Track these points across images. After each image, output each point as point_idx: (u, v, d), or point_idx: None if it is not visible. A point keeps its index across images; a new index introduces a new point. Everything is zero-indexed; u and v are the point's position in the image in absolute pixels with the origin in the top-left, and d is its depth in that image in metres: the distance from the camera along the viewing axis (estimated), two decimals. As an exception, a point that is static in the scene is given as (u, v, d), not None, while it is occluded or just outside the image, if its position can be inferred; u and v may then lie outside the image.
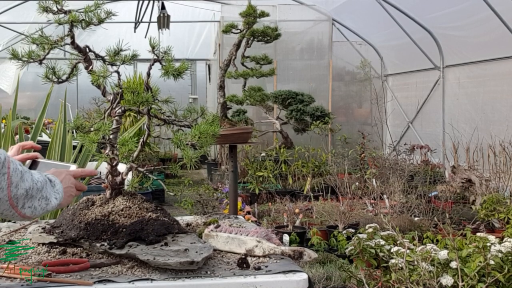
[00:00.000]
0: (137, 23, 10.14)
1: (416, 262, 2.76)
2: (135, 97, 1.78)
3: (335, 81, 10.42)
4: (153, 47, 1.87)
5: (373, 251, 3.11)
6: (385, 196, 5.86)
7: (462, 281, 2.62)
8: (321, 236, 4.80)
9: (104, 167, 1.93)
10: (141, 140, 1.85)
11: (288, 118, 7.88)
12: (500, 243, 2.82)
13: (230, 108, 4.32)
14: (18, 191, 1.46)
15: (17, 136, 3.42)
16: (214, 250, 1.76)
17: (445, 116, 8.27)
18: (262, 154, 7.96)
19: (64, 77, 1.83)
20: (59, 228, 1.79)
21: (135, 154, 1.81)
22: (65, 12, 1.80)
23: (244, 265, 1.63)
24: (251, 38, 4.17)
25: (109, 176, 1.83)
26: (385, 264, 3.04)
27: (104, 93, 1.85)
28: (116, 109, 1.83)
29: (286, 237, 4.54)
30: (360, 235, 3.21)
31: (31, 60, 1.78)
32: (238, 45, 4.07)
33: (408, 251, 2.85)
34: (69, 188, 1.68)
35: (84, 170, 1.81)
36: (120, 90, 1.82)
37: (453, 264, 2.68)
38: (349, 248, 3.22)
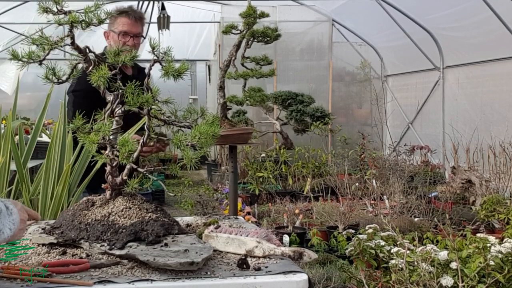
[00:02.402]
0: (137, 23, 10.12)
1: (416, 263, 2.76)
2: (135, 97, 1.78)
3: (335, 82, 10.42)
4: (153, 48, 1.87)
5: (373, 251, 3.11)
6: (385, 196, 5.86)
7: (462, 281, 2.62)
8: (321, 237, 4.80)
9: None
10: (141, 140, 1.84)
11: (288, 118, 7.87)
12: (500, 243, 2.82)
13: (230, 109, 4.31)
14: None
15: (17, 137, 3.42)
16: (214, 250, 1.76)
17: (445, 116, 8.27)
18: (262, 155, 7.95)
19: (64, 78, 1.83)
20: (59, 228, 1.79)
21: (135, 155, 1.81)
22: (65, 13, 1.80)
23: (244, 266, 1.63)
24: (251, 39, 4.16)
25: (109, 176, 1.83)
26: (385, 265, 3.04)
27: (104, 94, 1.85)
28: (116, 109, 1.83)
29: (286, 238, 4.53)
30: (360, 236, 3.21)
31: (31, 61, 1.78)
32: (238, 46, 4.07)
33: (408, 251, 2.85)
34: (23, 221, 1.53)
35: (30, 211, 1.69)
36: (120, 91, 1.82)
37: (453, 265, 2.68)
38: (349, 248, 3.22)
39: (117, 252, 1.65)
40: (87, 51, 1.84)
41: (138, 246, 1.66)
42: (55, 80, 1.82)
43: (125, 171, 1.82)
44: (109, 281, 1.52)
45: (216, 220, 2.15)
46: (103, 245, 1.68)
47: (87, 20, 1.80)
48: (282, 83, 9.69)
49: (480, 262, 2.64)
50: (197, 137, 1.74)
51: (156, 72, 1.93)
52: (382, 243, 3.16)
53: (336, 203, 5.93)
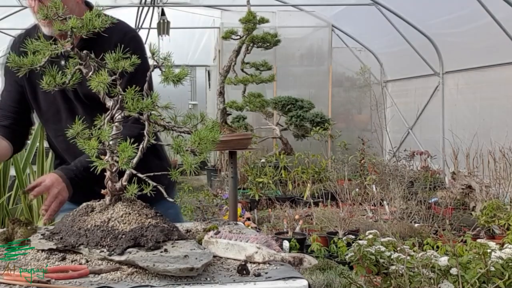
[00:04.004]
0: (137, 29, 10.16)
1: (416, 269, 2.75)
2: (135, 103, 1.78)
3: (335, 87, 10.43)
4: (152, 53, 1.87)
5: (373, 257, 3.10)
6: (385, 202, 5.86)
7: (463, 287, 2.61)
8: (321, 243, 4.79)
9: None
10: (141, 146, 1.84)
11: (288, 124, 7.88)
12: (500, 249, 2.82)
13: (230, 114, 4.32)
14: None
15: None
16: (214, 256, 1.75)
17: (444, 122, 8.27)
18: (262, 160, 7.95)
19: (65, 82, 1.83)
20: (59, 234, 1.78)
21: (134, 161, 1.81)
22: (65, 18, 1.80)
23: (244, 272, 1.62)
24: (251, 44, 4.17)
25: (109, 182, 1.83)
26: (385, 271, 3.03)
27: (103, 99, 1.85)
28: (116, 115, 1.83)
29: (286, 244, 4.53)
30: (360, 242, 3.20)
31: (32, 67, 1.78)
32: (237, 51, 4.07)
33: (408, 257, 2.84)
34: None
35: None
36: (120, 96, 1.82)
37: (454, 271, 2.67)
38: (349, 254, 3.21)
39: (117, 258, 1.64)
40: (87, 56, 1.84)
41: (138, 252, 1.65)
42: (55, 86, 1.82)
43: (125, 176, 1.82)
44: (108, 287, 1.51)
45: (216, 226, 2.15)
46: (103, 251, 1.68)
47: (87, 25, 1.80)
48: (281, 89, 9.70)
49: (481, 268, 2.64)
50: (197, 143, 1.74)
51: (155, 77, 1.92)
52: (382, 248, 3.16)
53: (336, 209, 5.93)
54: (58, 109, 2.36)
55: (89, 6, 2.40)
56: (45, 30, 2.30)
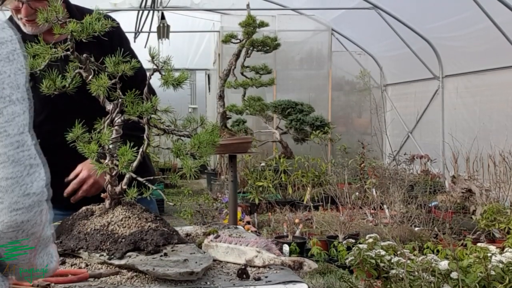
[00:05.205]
0: (137, 33, 10.18)
1: (416, 273, 2.75)
2: (135, 106, 1.78)
3: (335, 91, 10.43)
4: (152, 57, 1.87)
5: (373, 261, 3.10)
6: (385, 206, 5.85)
7: (463, 291, 2.61)
8: (321, 246, 4.79)
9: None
10: (141, 150, 1.84)
11: (287, 127, 7.87)
12: (500, 253, 2.81)
13: (229, 118, 4.31)
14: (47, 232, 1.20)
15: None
16: (214, 260, 1.75)
17: (444, 126, 8.27)
18: (261, 164, 7.95)
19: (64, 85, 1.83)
20: (58, 238, 1.78)
21: (134, 164, 1.80)
22: (65, 22, 1.80)
23: (244, 276, 1.62)
24: (251, 48, 4.17)
25: (109, 186, 1.82)
26: (385, 275, 3.03)
27: (103, 103, 1.85)
28: (116, 118, 1.83)
29: (286, 247, 4.52)
30: (360, 245, 3.20)
31: (32, 70, 1.78)
32: (237, 55, 4.07)
33: (408, 261, 2.84)
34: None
35: None
36: (120, 100, 1.82)
37: (454, 275, 2.67)
38: (350, 258, 3.21)
39: (116, 262, 1.64)
40: (87, 60, 1.84)
41: (138, 256, 1.65)
42: (55, 89, 1.82)
43: (125, 180, 1.82)
44: (108, 291, 1.51)
45: (216, 230, 2.14)
46: (102, 255, 1.67)
47: (87, 29, 1.80)
48: (281, 92, 9.70)
49: (481, 272, 2.63)
50: (197, 146, 1.74)
51: (155, 81, 1.93)
52: (383, 252, 3.15)
53: (336, 213, 5.92)
54: (55, 106, 2.25)
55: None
56: (26, 29, 2.25)
